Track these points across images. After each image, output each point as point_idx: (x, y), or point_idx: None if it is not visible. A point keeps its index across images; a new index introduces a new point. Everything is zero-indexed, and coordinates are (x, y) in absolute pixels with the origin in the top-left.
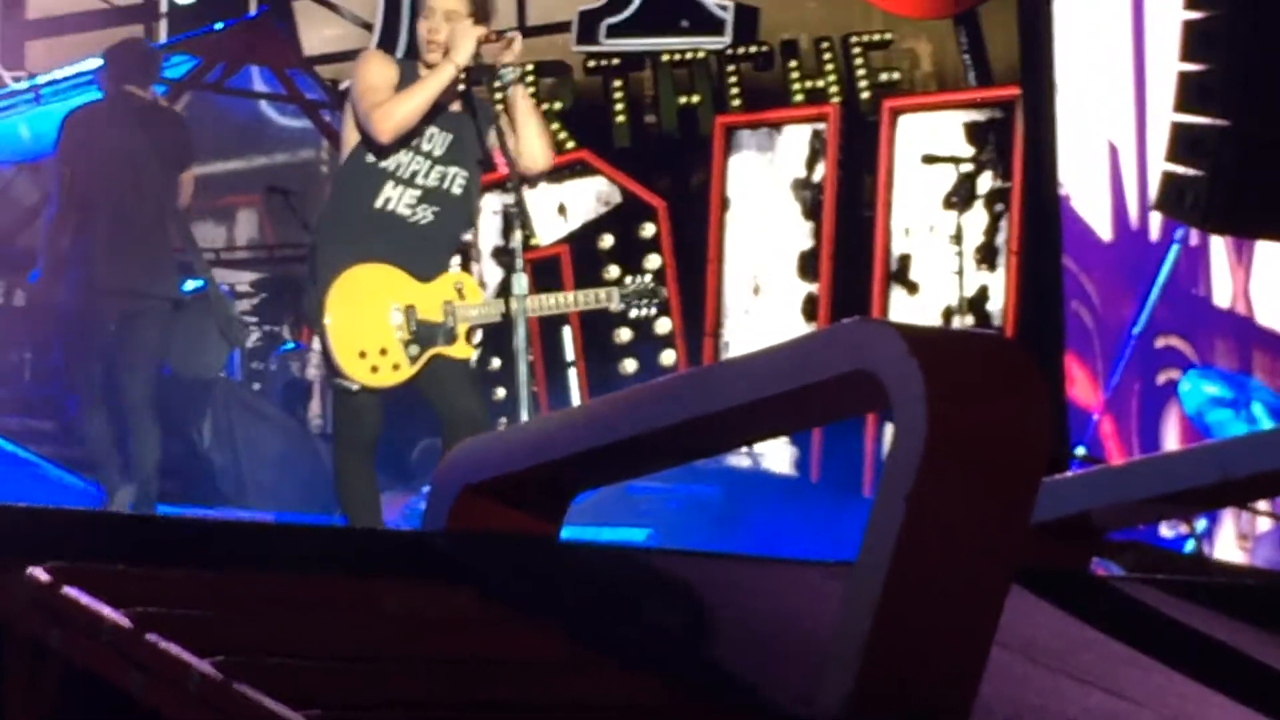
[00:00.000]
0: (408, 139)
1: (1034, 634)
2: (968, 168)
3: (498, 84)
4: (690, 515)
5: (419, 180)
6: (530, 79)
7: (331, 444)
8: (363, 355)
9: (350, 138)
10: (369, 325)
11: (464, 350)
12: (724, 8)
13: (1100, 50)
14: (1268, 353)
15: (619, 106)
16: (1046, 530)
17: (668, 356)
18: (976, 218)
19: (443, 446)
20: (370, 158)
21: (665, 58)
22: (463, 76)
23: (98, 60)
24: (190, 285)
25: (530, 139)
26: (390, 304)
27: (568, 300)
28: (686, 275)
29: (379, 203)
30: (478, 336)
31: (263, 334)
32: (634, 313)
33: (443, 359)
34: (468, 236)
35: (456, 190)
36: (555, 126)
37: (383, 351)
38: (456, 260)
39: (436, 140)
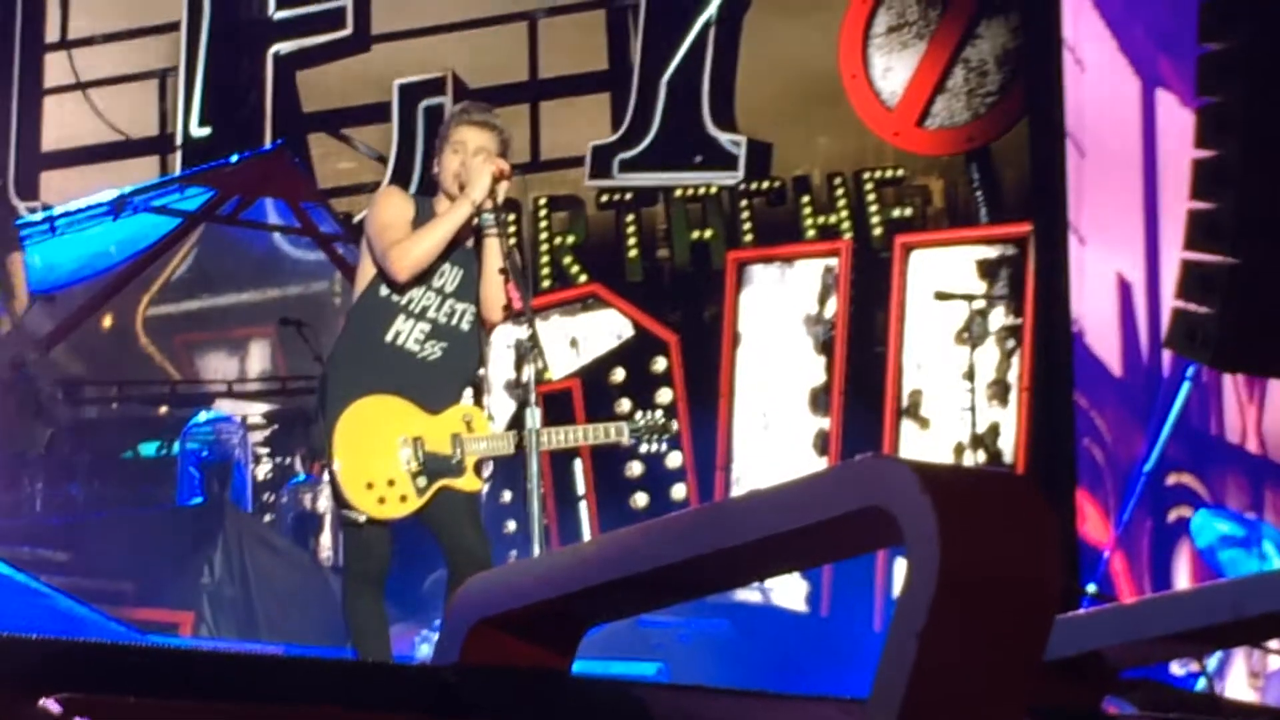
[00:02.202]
0: (423, 275)
1: None
2: (980, 304)
3: (475, 223)
4: (701, 649)
5: (429, 315)
6: (542, 213)
7: (341, 577)
8: (370, 486)
9: (366, 273)
10: (377, 457)
11: (472, 483)
12: (737, 143)
13: (1112, 187)
14: (1279, 491)
15: (631, 241)
16: (1058, 668)
17: (679, 490)
18: (988, 354)
19: (447, 580)
20: (384, 291)
21: (678, 192)
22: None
23: (113, 192)
24: (204, 416)
25: (486, 290)
26: (398, 436)
27: (578, 435)
28: (698, 409)
29: (389, 336)
30: (488, 470)
31: (274, 466)
32: (644, 448)
33: (450, 491)
34: (480, 371)
35: (465, 326)
36: (568, 260)
37: (390, 483)
38: (469, 393)
39: (448, 276)
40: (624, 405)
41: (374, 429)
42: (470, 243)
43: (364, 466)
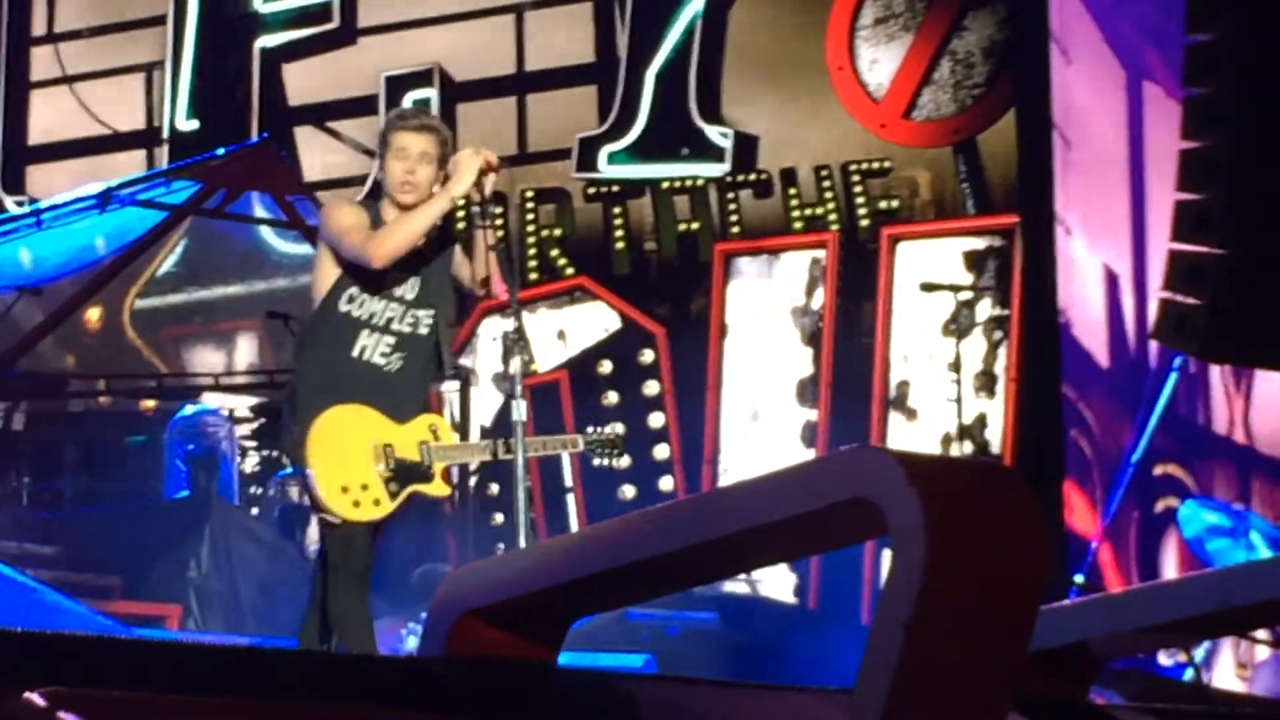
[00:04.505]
0: (386, 286)
1: None
2: (966, 295)
3: (460, 215)
4: (689, 641)
5: (394, 327)
6: (529, 205)
7: (327, 572)
8: (345, 490)
9: (321, 285)
10: (351, 462)
11: (441, 489)
12: (724, 135)
13: (1099, 178)
14: (1266, 481)
15: (619, 233)
16: (1045, 659)
17: (666, 483)
18: (975, 345)
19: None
20: (344, 307)
21: (665, 185)
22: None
23: (99, 185)
24: (191, 409)
25: (476, 267)
26: (370, 442)
27: (536, 444)
28: (685, 401)
29: (355, 352)
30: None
31: (261, 459)
32: (596, 461)
33: (420, 497)
34: (442, 371)
35: (424, 331)
36: (555, 253)
37: (364, 487)
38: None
39: (408, 285)
40: (611, 398)
41: (347, 436)
42: (420, 243)
43: (338, 471)
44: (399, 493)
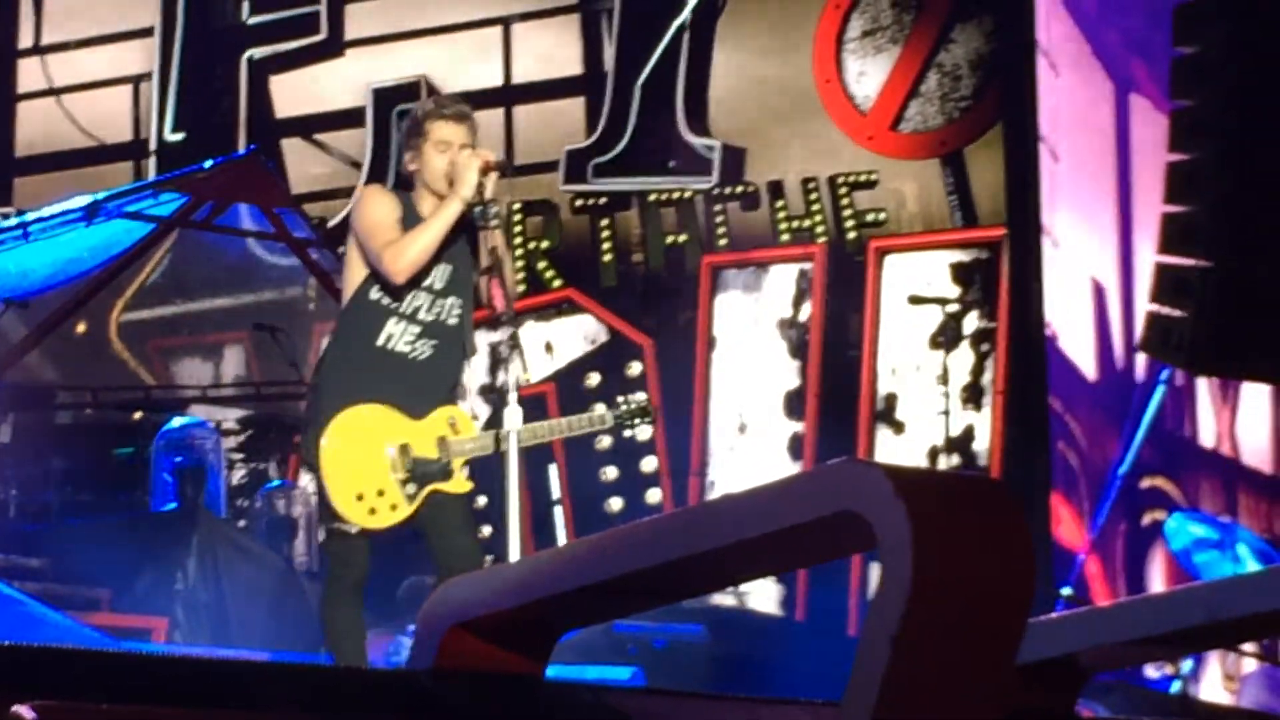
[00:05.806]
0: (418, 277)
1: None
2: (954, 308)
3: (480, 222)
4: (676, 654)
5: (420, 316)
6: (516, 217)
7: (320, 583)
8: (360, 498)
9: (354, 276)
10: (365, 467)
11: (461, 485)
12: (710, 148)
13: (1086, 190)
14: (1253, 493)
15: (606, 245)
16: (1032, 671)
17: (653, 495)
18: (962, 358)
19: (438, 584)
20: (374, 295)
21: (652, 197)
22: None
23: (86, 197)
24: (179, 421)
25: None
26: (385, 444)
27: (561, 427)
28: (673, 414)
29: (380, 340)
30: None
31: (249, 471)
32: (628, 432)
33: (441, 495)
34: (466, 369)
35: (452, 321)
36: (542, 265)
37: (380, 493)
38: (463, 385)
39: (436, 274)
40: (599, 410)
41: (360, 440)
42: (465, 238)
43: (352, 478)
44: (417, 494)
